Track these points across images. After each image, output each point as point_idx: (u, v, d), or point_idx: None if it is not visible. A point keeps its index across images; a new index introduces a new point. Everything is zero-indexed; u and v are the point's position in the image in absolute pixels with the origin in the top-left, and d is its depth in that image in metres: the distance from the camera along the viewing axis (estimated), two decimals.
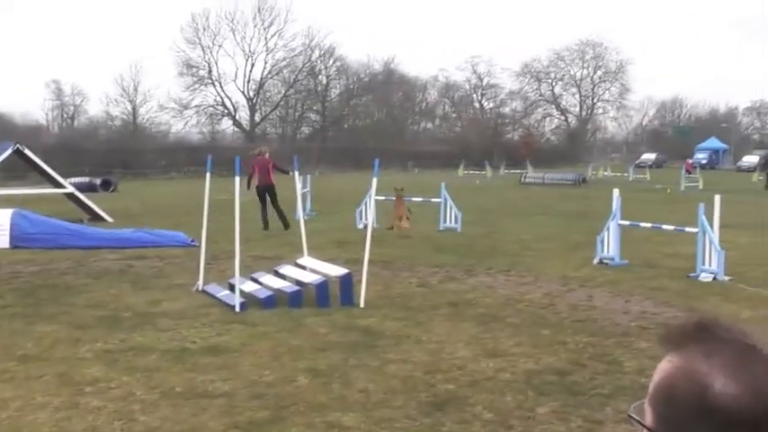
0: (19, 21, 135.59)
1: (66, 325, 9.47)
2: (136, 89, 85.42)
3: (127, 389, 6.91)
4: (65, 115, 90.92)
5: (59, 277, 13.20)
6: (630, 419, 1.24)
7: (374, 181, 11.33)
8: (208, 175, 11.98)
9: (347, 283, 10.68)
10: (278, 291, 10.76)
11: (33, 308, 10.56)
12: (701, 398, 1.13)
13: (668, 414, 1.17)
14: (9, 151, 23.15)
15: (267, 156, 21.25)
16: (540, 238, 18.88)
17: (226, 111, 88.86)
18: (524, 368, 7.58)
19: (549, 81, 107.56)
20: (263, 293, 10.67)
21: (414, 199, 21.75)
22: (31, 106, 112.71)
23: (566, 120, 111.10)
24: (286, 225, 19.69)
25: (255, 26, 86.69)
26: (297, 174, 13.92)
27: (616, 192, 14.67)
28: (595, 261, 14.60)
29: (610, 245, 14.55)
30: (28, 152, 23.48)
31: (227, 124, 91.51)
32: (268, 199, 20.59)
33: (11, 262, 14.93)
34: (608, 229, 14.59)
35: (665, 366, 1.21)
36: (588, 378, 7.27)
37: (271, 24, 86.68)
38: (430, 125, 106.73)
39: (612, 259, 14.43)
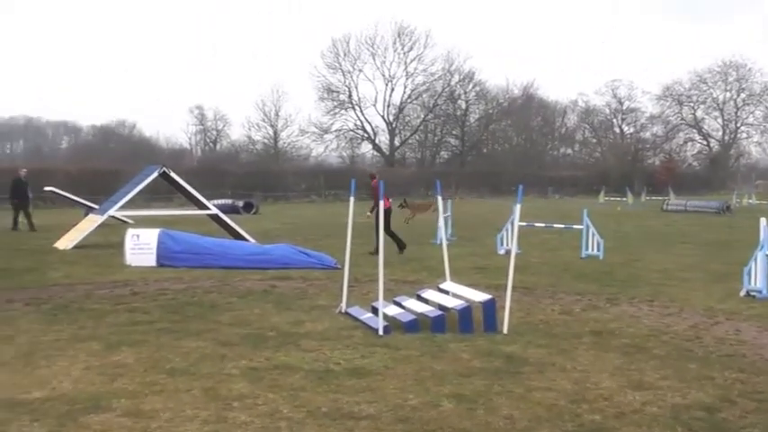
0: (164, 50, 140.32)
1: (212, 341, 9.66)
2: (277, 114, 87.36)
3: (273, 406, 6.98)
4: (207, 139, 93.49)
5: (204, 295, 13.51)
6: None
7: (517, 207, 11.21)
8: (351, 199, 12.07)
9: (490, 309, 10.57)
10: (421, 315, 10.72)
11: (180, 324, 10.82)
12: None
13: None
14: (156, 174, 23.86)
15: (374, 180, 21.01)
16: (683, 267, 18.37)
17: (365, 135, 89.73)
18: (672, 402, 7.34)
19: (691, 104, 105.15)
20: (407, 317, 10.65)
21: (555, 225, 21.47)
22: (176, 131, 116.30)
23: (708, 144, 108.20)
24: (401, 247, 19.91)
25: (395, 51, 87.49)
26: (440, 198, 13.92)
27: (763, 221, 14.15)
28: (742, 293, 14.08)
29: (757, 277, 14.04)
30: (173, 175, 24.14)
31: (366, 148, 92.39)
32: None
33: (158, 279, 15.38)
34: (755, 260, 14.07)
35: None
36: (738, 416, 7.00)
37: (410, 49, 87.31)
38: (569, 150, 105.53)
39: (760, 292, 13.91)
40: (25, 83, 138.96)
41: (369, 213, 20.31)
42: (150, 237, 17.97)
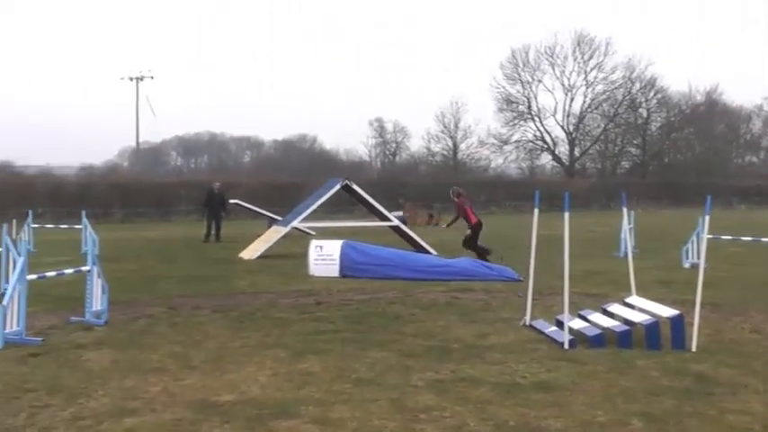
0: (345, 63, 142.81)
1: (397, 353, 9.66)
2: (456, 125, 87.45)
3: (460, 419, 6.90)
4: (387, 152, 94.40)
5: (388, 306, 13.57)
6: None
7: (706, 219, 10.76)
8: (536, 211, 11.88)
9: (679, 325, 10.18)
10: (607, 329, 10.46)
11: (364, 334, 10.89)
12: None
13: None
14: (338, 186, 24.24)
15: (460, 199, 21.91)
16: None
17: (545, 146, 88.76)
18: None
19: None
20: (592, 332, 10.39)
21: (743, 238, 20.61)
22: (355, 144, 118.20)
23: None
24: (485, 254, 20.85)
25: (575, 59, 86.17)
26: (624, 210, 13.56)
27: None
28: None
29: None
30: (356, 187, 24.46)
31: (545, 159, 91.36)
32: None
33: (341, 290, 15.56)
34: None
35: None
36: None
37: (590, 57, 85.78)
38: (754, 159, 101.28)
39: None
40: (210, 101, 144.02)
41: (445, 226, 20.83)
42: (333, 248, 18.23)
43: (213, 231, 30.02)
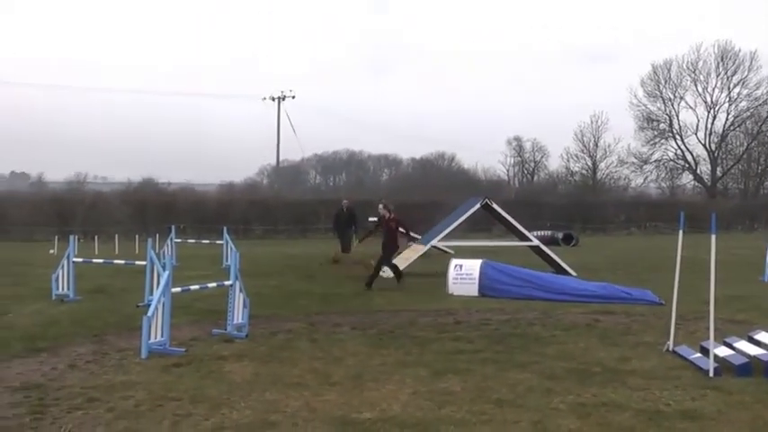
0: (478, 81, 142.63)
1: (538, 374, 9.48)
2: (596, 144, 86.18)
3: None
4: (525, 171, 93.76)
5: (528, 327, 13.36)
6: None
7: None
8: (680, 232, 11.51)
9: None
10: (753, 358, 10.04)
11: (504, 354, 10.72)
12: None
13: None
14: (478, 205, 24.09)
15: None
16: None
17: (686, 165, 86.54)
18: None
19: None
20: (739, 360, 9.98)
21: None
22: (494, 163, 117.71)
23: None
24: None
25: (718, 75, 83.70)
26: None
27: None
28: None
29: None
30: (495, 206, 24.27)
31: (686, 179, 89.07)
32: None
33: (480, 309, 15.41)
34: None
35: None
36: None
37: (734, 73, 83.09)
38: None
39: None
40: (347, 121, 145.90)
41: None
42: (473, 267, 18.11)
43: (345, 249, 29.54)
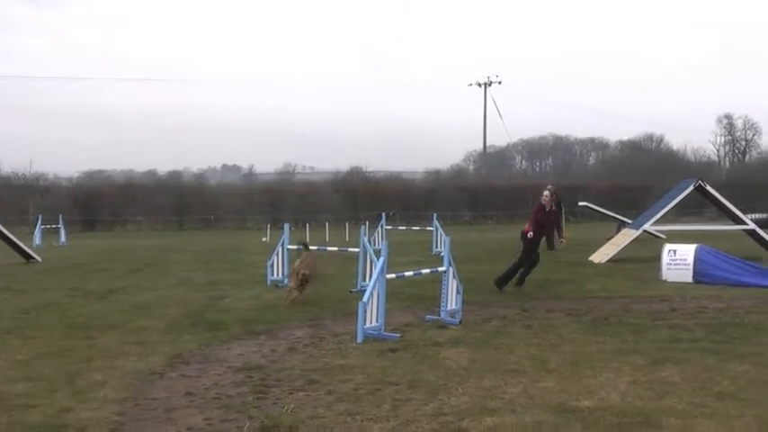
0: (700, 55, 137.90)
1: (759, 366, 9.13)
2: None
3: None
4: (736, 150, 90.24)
5: (747, 315, 12.89)
6: None
7: None
8: None
9: None
10: None
11: (723, 344, 10.39)
12: None
13: None
14: (691, 188, 23.40)
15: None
16: None
17: None
18: None
19: None
20: None
21: None
22: (703, 143, 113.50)
23: None
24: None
25: None
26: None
27: None
28: None
29: None
30: (709, 188, 23.52)
31: None
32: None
33: (695, 296, 15.01)
34: None
35: None
36: None
37: None
38: None
39: None
40: (554, 103, 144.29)
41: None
42: (687, 252, 17.63)
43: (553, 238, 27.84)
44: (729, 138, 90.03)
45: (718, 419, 7.00)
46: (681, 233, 26.11)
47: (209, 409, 7.42)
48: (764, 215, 41.50)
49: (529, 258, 16.29)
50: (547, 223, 16.95)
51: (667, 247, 18.08)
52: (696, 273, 17.26)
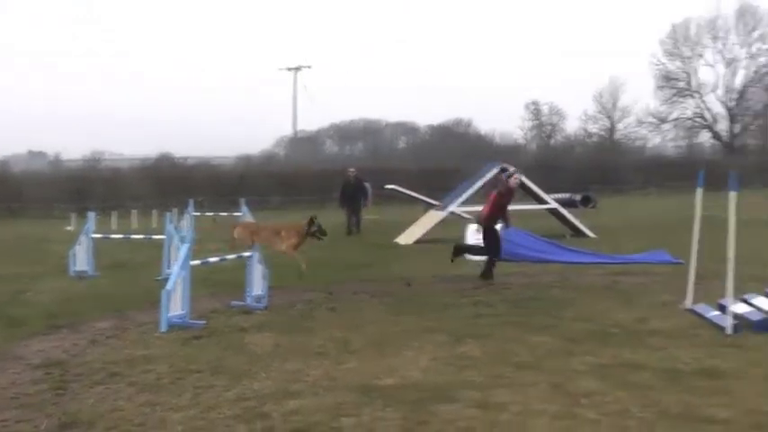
0: (497, 45, 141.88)
1: (557, 337, 9.50)
2: (614, 105, 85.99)
3: (622, 404, 6.71)
4: (542, 134, 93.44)
5: (547, 290, 13.37)
6: None
7: None
8: (699, 190, 11.46)
9: None
10: None
11: (524, 318, 10.73)
12: None
13: None
14: (495, 170, 24.02)
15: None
16: None
17: (705, 123, 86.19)
18: None
19: None
20: (756, 316, 9.95)
21: None
22: (511, 128, 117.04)
23: None
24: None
25: (737, 32, 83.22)
26: None
27: None
28: None
29: None
30: (512, 170, 24.18)
31: (704, 137, 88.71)
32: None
33: (501, 273, 15.36)
34: None
35: None
36: None
37: (754, 29, 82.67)
38: None
39: None
40: (364, 87, 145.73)
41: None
42: None
43: (353, 223, 27.73)
44: (536, 122, 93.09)
45: (514, 389, 7.22)
46: None
47: (5, 409, 7.06)
48: (567, 195, 43.18)
49: (492, 249, 15.58)
50: (505, 206, 15.93)
51: (472, 227, 18.50)
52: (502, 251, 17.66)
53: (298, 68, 78.43)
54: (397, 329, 10.12)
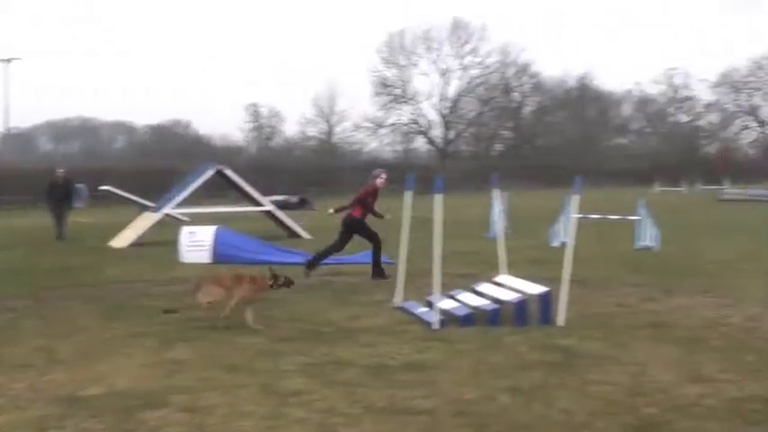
0: (217, 48, 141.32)
1: (269, 338, 9.68)
2: (332, 109, 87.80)
3: (329, 402, 6.96)
4: (262, 136, 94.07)
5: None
6: None
7: (576, 198, 11.06)
8: (408, 193, 11.99)
9: (546, 302, 10.47)
10: (476, 308, 10.68)
11: (236, 320, 10.76)
12: None
13: None
14: (211, 172, 24.03)
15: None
16: (740, 257, 18.12)
17: (420, 129, 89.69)
18: (730, 395, 7.20)
19: (748, 91, 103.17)
20: (462, 311, 10.58)
21: (610, 217, 21.13)
22: (231, 129, 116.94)
23: (764, 132, 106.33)
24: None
25: (451, 44, 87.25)
26: (496, 191, 13.90)
27: None
28: None
29: None
30: (229, 173, 24.29)
31: (420, 142, 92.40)
32: None
33: None
34: None
35: None
36: None
37: (466, 42, 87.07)
38: (624, 141, 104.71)
39: None
40: (80, 84, 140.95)
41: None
42: (206, 234, 18.09)
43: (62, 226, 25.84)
44: (256, 124, 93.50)
45: (223, 391, 7.31)
46: (207, 216, 26.72)
47: None
48: (284, 197, 43.71)
49: (376, 238, 15.52)
50: (371, 205, 15.79)
51: (186, 229, 18.45)
52: (215, 254, 17.74)
53: (9, 60, 74.69)
54: (108, 336, 9.94)
